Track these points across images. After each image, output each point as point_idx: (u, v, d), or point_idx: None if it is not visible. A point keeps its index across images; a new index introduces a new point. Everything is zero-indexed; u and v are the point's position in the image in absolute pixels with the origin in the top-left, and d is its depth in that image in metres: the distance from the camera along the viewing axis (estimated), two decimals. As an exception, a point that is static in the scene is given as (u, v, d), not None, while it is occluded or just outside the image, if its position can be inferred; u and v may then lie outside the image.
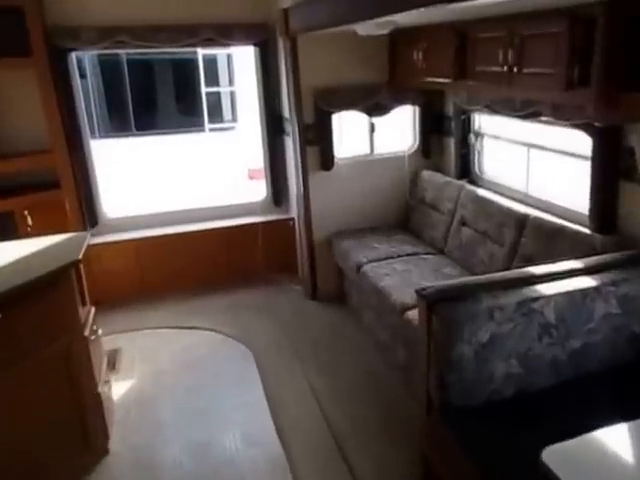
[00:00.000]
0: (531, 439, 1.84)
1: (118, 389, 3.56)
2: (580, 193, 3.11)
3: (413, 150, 4.64)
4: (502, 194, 3.81)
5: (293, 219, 5.11)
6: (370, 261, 3.98)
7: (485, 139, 4.13)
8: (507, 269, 3.32)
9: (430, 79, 3.67)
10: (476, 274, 3.56)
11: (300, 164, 4.38)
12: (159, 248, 4.86)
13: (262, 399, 3.42)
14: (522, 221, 3.33)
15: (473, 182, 4.20)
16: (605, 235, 2.85)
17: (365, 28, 3.23)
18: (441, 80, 3.53)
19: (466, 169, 4.27)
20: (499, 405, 2.22)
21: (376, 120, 4.48)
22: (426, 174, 4.52)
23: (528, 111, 3.18)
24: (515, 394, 2.27)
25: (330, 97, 4.22)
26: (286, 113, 4.75)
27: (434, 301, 2.20)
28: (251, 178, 6.75)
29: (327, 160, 4.40)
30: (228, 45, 4.83)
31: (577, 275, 2.34)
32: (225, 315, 4.53)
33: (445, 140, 4.49)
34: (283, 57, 4.39)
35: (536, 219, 3.24)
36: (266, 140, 5.11)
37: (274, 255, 5.17)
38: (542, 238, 3.13)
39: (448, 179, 4.26)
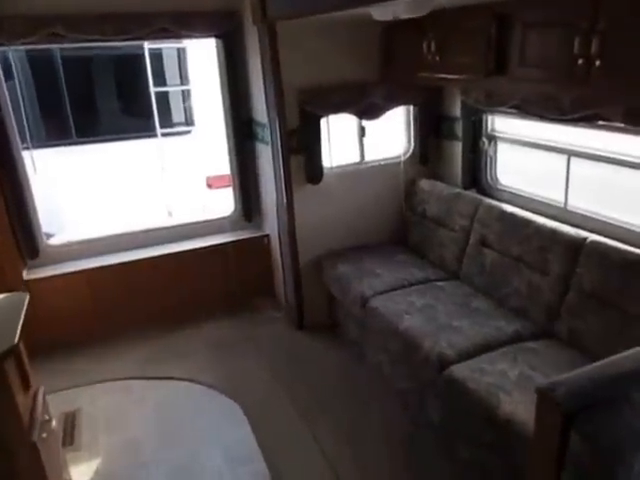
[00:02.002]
0: None
1: (79, 475, 2.57)
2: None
3: (408, 156, 3.80)
4: (524, 207, 3.05)
5: (268, 236, 4.18)
6: (377, 293, 3.13)
7: (500, 144, 3.34)
8: (560, 304, 2.59)
9: (446, 75, 2.83)
10: (516, 310, 2.80)
11: (283, 176, 3.45)
12: (115, 279, 3.81)
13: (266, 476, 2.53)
14: (576, 246, 2.57)
15: (483, 192, 3.42)
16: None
17: (386, 10, 2.31)
18: (463, 77, 2.70)
19: (474, 178, 3.47)
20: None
21: (367, 123, 3.60)
22: (425, 183, 3.70)
23: (583, 114, 2.41)
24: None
25: (318, 98, 3.31)
26: (258, 116, 3.80)
27: (575, 411, 1.37)
28: (209, 187, 5.72)
29: (314, 171, 3.50)
30: (187, 37, 3.78)
31: None
32: (202, 358, 3.57)
33: (446, 144, 3.67)
34: (254, 51, 3.43)
35: (598, 244, 2.49)
36: (233, 147, 4.12)
37: (248, 277, 4.23)
38: (610, 270, 2.39)
39: (457, 190, 3.45)
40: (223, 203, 4.69)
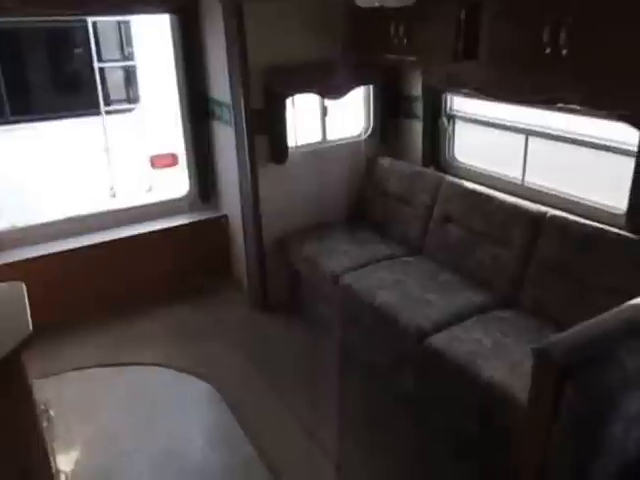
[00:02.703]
0: None
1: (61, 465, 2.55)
2: (601, 187, 2.67)
3: (368, 135, 3.93)
4: (482, 184, 3.28)
5: (226, 216, 4.20)
6: (347, 270, 3.27)
7: (459, 123, 3.54)
8: (523, 275, 2.85)
9: (413, 58, 2.97)
10: (482, 282, 3.03)
11: (248, 156, 3.48)
12: (66, 267, 3.70)
13: (253, 457, 2.61)
14: (537, 221, 2.82)
15: (443, 170, 3.62)
16: (645, 237, 2.43)
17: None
18: (431, 60, 2.85)
19: (434, 156, 3.67)
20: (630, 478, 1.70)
21: (329, 103, 3.68)
22: (386, 162, 3.85)
23: (543, 97, 2.62)
24: (636, 460, 1.75)
25: (283, 78, 3.34)
26: (217, 95, 3.78)
27: (569, 367, 1.57)
28: (154, 166, 5.60)
29: (279, 151, 3.55)
30: (141, 12, 3.68)
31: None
32: (168, 342, 3.57)
33: (406, 123, 3.84)
34: (214, 28, 3.41)
35: (557, 219, 2.75)
36: (189, 126, 4.09)
37: (206, 259, 4.24)
38: (569, 242, 2.65)
39: (418, 168, 3.63)
40: (171, 183, 4.64)
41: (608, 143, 2.68)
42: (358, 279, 3.15)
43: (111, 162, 4.58)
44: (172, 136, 4.77)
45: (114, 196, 5.13)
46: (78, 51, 9.21)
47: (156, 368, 3.31)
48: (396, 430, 2.76)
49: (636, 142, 2.44)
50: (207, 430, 2.81)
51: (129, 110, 5.85)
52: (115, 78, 8.02)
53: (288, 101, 3.46)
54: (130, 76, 7.61)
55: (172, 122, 4.40)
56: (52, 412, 2.13)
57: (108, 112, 4.87)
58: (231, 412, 2.92)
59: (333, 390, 3.05)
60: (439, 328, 2.66)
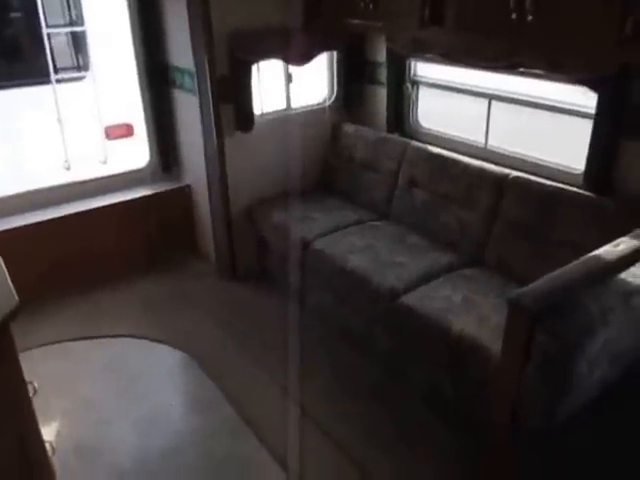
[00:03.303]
0: None
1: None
2: (561, 148, 2.84)
3: (332, 102, 3.98)
4: (446, 148, 3.40)
5: (189, 186, 4.20)
6: (317, 236, 3.36)
7: (423, 88, 3.64)
8: (488, 235, 3.01)
9: (379, 24, 3.02)
10: (448, 243, 3.18)
11: (214, 125, 3.48)
12: (26, 242, 3.61)
13: (236, 421, 2.70)
14: (501, 182, 2.97)
15: (407, 135, 3.72)
16: (603, 197, 2.62)
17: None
18: (398, 26, 2.91)
19: (398, 121, 3.76)
20: (590, 415, 1.88)
21: (293, 69, 3.71)
22: (350, 128, 3.93)
23: (508, 62, 2.74)
24: (598, 396, 1.95)
25: (248, 44, 3.33)
26: (177, 62, 3.74)
27: (540, 313, 1.72)
28: (109, 137, 5.47)
29: (245, 119, 3.55)
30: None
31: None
32: (139, 314, 3.59)
33: (370, 89, 3.90)
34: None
35: (520, 179, 2.90)
36: (147, 94, 4.02)
37: (170, 231, 4.23)
38: (531, 202, 2.81)
39: (383, 134, 3.72)
40: (127, 154, 4.58)
41: (568, 106, 2.84)
42: (329, 244, 3.25)
43: (64, 134, 4.45)
44: (127, 106, 4.67)
45: (68, 169, 5.01)
46: (16, 15, 8.73)
47: (130, 340, 3.33)
48: (371, 386, 2.90)
49: (594, 105, 2.60)
50: (187, 396, 2.88)
51: (79, 79, 5.65)
52: (60, 44, 7.66)
53: (254, 68, 3.45)
54: (78, 42, 7.30)
55: (127, 91, 4.31)
56: (36, 384, 2.14)
57: (57, 81, 4.70)
58: (209, 378, 2.98)
59: (308, 352, 3.16)
60: (410, 288, 2.79)
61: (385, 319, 2.84)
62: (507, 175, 2.96)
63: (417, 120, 3.71)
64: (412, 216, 3.42)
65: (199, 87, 3.46)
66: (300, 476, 2.37)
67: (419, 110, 3.70)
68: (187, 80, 3.65)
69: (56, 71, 5.12)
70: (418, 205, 3.38)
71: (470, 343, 2.37)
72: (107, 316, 3.55)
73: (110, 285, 3.85)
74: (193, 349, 3.21)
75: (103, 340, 3.32)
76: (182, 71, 3.68)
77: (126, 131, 5.59)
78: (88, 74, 5.26)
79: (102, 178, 4.15)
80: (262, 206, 3.77)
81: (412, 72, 3.63)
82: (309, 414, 2.72)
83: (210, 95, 3.37)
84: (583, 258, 2.00)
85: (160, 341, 3.29)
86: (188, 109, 3.76)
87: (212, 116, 3.44)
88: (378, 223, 3.51)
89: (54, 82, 4.22)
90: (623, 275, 1.91)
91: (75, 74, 5.99)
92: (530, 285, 1.81)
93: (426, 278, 2.88)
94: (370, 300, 2.90)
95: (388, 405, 2.78)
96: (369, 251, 3.13)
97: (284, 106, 3.87)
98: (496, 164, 3.12)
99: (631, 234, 2.15)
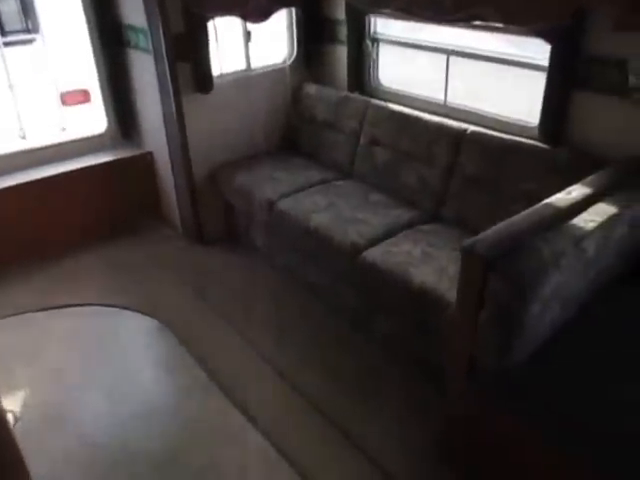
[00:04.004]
0: (598, 378, 1.76)
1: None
2: (517, 103, 2.83)
3: (292, 61, 3.88)
4: (407, 106, 3.36)
5: (150, 153, 4.07)
6: (282, 196, 3.31)
7: (383, 46, 3.57)
8: (446, 191, 3.02)
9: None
10: (409, 200, 3.18)
11: (171, 86, 3.35)
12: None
13: (207, 383, 2.67)
14: (459, 137, 2.96)
15: (368, 94, 3.65)
16: (557, 147, 2.64)
17: None
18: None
19: (359, 80, 3.69)
20: (544, 355, 1.93)
21: (252, 28, 3.59)
22: (311, 88, 3.84)
23: (465, 14, 2.70)
24: (550, 337, 1.99)
25: (203, -1, 3.20)
26: (130, 20, 3.57)
27: (493, 259, 1.74)
28: (65, 104, 5.23)
29: (204, 79, 3.43)
30: None
31: (594, 201, 2.07)
32: (105, 282, 3.50)
33: (330, 48, 3.80)
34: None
35: (477, 134, 2.90)
36: (101, 56, 3.85)
37: (133, 197, 4.13)
38: (488, 155, 2.82)
39: (344, 94, 3.65)
40: (86, 120, 4.40)
41: (523, 59, 2.82)
42: (292, 204, 3.20)
43: (17, 100, 4.23)
44: (83, 69, 4.46)
45: (24, 137, 4.78)
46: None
47: (97, 307, 3.25)
48: (340, 341, 2.92)
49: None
50: (158, 361, 2.84)
51: (29, 41, 5.34)
52: (7, 6, 7.17)
53: (210, 25, 3.32)
54: (27, 3, 6.87)
55: (81, 53, 4.10)
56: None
57: (4, 44, 4.44)
58: (179, 342, 2.94)
59: (277, 311, 3.16)
60: (371, 244, 2.78)
61: (348, 275, 2.84)
62: (465, 130, 2.95)
63: (378, 79, 3.65)
64: (374, 174, 3.40)
65: (154, 46, 3.32)
66: (270, 431, 2.38)
67: (380, 68, 3.63)
68: (142, 39, 3.49)
69: (3, 34, 4.83)
70: (380, 163, 3.36)
71: (430, 294, 2.39)
72: (72, 284, 3.46)
73: (74, 253, 3.75)
74: (161, 314, 3.15)
75: (68, 309, 3.23)
76: (136, 30, 3.52)
77: (83, 97, 5.35)
78: (38, 36, 4.98)
79: (58, 145, 3.99)
80: (226, 169, 3.69)
81: (372, 29, 3.54)
82: (280, 371, 2.71)
83: (165, 54, 3.24)
84: (536, 206, 2.02)
85: (127, 307, 3.22)
86: (144, 70, 3.61)
87: (168, 76, 3.31)
88: (341, 182, 3.47)
89: (2, 45, 3.97)
90: (575, 221, 1.94)
91: (24, 36, 5.64)
92: (483, 233, 1.82)
93: (387, 234, 2.87)
94: (333, 257, 2.89)
95: (355, 356, 2.80)
96: (332, 210, 3.10)
97: (244, 66, 3.75)
98: (455, 120, 3.11)
99: (583, 181, 2.17)
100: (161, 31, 3.17)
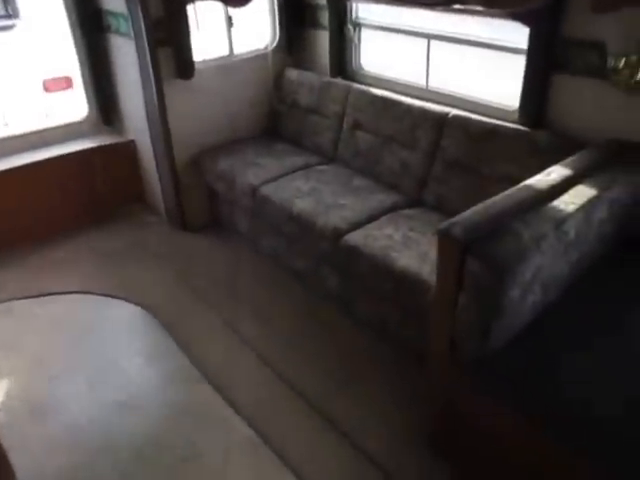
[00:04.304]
0: (580, 360, 1.76)
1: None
2: (498, 87, 2.79)
3: (275, 47, 3.80)
4: (391, 90, 3.30)
5: (133, 141, 3.98)
6: (264, 182, 3.26)
7: (365, 31, 3.50)
8: (427, 175, 2.98)
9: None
10: (391, 185, 3.14)
11: (152, 72, 3.27)
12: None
13: (191, 369, 2.63)
14: (441, 121, 2.92)
15: (351, 79, 3.59)
16: (537, 130, 2.61)
17: None
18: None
19: (341, 65, 3.62)
20: (526, 338, 1.91)
21: (234, 13, 3.50)
22: (293, 73, 3.77)
23: (445, -3, 2.65)
24: (532, 321, 1.97)
25: (182, -18, 3.11)
26: (110, 5, 3.46)
27: (470, 241, 1.71)
28: (47, 90, 5.12)
29: (185, 65, 3.35)
30: None
31: (574, 183, 2.04)
32: (89, 269, 3.44)
33: (312, 33, 3.73)
34: None
35: (459, 118, 2.86)
36: (81, 42, 3.74)
37: (116, 184, 4.05)
38: (470, 139, 2.78)
39: (326, 79, 3.58)
40: (70, 107, 4.30)
41: (504, 43, 2.77)
42: (275, 190, 3.15)
43: (-1, 88, 4.14)
44: (65, 56, 4.34)
45: (6, 124, 4.68)
46: None
47: (81, 295, 3.19)
48: (324, 326, 2.89)
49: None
50: (141, 347, 2.79)
51: (9, 27, 5.19)
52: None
53: (191, 10, 3.23)
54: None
55: (62, 40, 3.99)
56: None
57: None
58: (163, 328, 2.89)
59: (263, 299, 3.11)
60: (353, 228, 2.75)
61: (331, 259, 2.81)
62: (447, 114, 2.91)
63: (360, 63, 3.59)
64: (357, 159, 3.35)
65: (134, 31, 3.22)
66: (254, 417, 2.35)
67: (362, 53, 3.56)
68: (122, 24, 3.39)
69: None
70: (362, 148, 3.31)
71: (411, 277, 2.37)
72: (55, 272, 3.39)
73: (57, 241, 3.68)
74: (145, 300, 3.10)
75: (51, 297, 3.16)
76: (116, 15, 3.42)
77: (65, 84, 5.23)
78: (18, 22, 4.85)
79: (40, 132, 3.88)
80: (208, 155, 3.62)
81: (353, 14, 3.47)
82: (264, 357, 2.68)
83: (146, 39, 3.15)
84: (515, 187, 1.99)
85: (111, 295, 3.17)
86: (125, 56, 3.51)
87: (149, 61, 3.22)
88: (324, 167, 3.42)
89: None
90: (555, 203, 1.91)
91: (4, 22, 5.48)
92: (459, 215, 1.79)
93: (369, 218, 2.84)
94: (316, 241, 2.85)
95: (340, 341, 2.78)
96: (314, 195, 3.06)
97: (226, 52, 3.67)
98: (437, 104, 3.06)
99: (562, 163, 2.14)
100: (141, 15, 3.08)
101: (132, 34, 3.27)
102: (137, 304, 3.08)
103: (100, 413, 2.41)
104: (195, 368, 2.60)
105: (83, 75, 3.88)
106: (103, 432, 2.32)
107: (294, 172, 3.35)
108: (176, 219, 3.83)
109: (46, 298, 3.15)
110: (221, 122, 3.72)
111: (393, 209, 2.95)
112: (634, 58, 2.16)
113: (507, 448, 1.86)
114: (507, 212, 1.82)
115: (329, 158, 3.52)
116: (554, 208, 1.88)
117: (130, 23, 3.24)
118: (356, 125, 3.34)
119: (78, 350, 2.79)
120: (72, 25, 3.68)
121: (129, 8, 3.16)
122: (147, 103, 3.48)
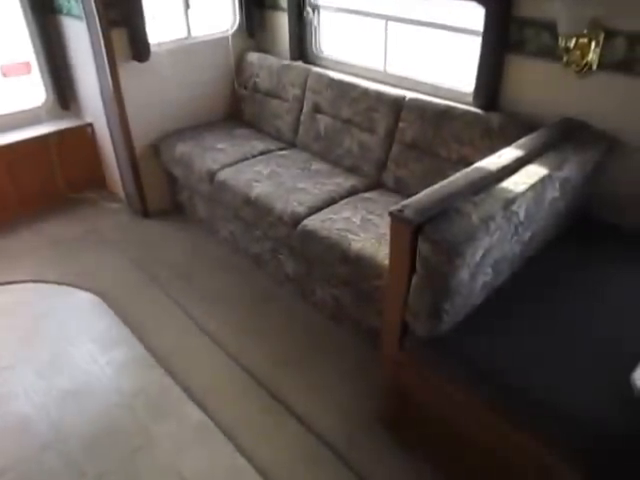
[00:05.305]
0: (533, 342, 1.72)
1: None
2: (452, 70, 2.70)
3: (235, 30, 3.62)
4: (350, 73, 3.19)
5: (91, 125, 3.79)
6: (223, 166, 3.12)
7: (323, 13, 3.35)
8: (386, 158, 2.88)
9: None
10: (350, 168, 3.04)
11: (105, 54, 3.07)
12: None
13: (145, 356, 2.51)
14: (398, 104, 2.81)
15: (311, 63, 3.45)
16: (491, 112, 2.52)
17: None
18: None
19: (301, 48, 3.48)
20: (477, 319, 1.84)
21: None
22: (254, 57, 3.61)
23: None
24: (484, 301, 1.90)
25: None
26: (59, -17, 3.25)
27: (421, 224, 1.61)
28: (5, 75, 4.83)
29: (140, 47, 3.16)
30: None
31: (525, 164, 1.97)
32: (43, 257, 3.25)
33: (272, 15, 3.57)
34: None
35: (415, 101, 2.75)
36: (33, 24, 3.52)
37: (75, 170, 3.86)
38: (426, 121, 2.68)
39: (286, 62, 3.43)
40: (27, 92, 4.05)
41: (460, 25, 2.66)
42: (234, 174, 3.01)
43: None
44: (23, 40, 4.08)
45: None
46: None
47: (33, 284, 3.01)
48: (282, 311, 2.79)
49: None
50: (94, 336, 2.63)
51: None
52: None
53: (143, -11, 3.04)
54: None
55: (18, 23, 3.74)
56: None
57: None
58: (117, 317, 2.76)
59: (220, 284, 2.99)
60: (311, 212, 2.64)
61: (289, 243, 2.69)
62: (403, 97, 2.80)
63: (319, 46, 3.45)
64: (317, 143, 3.23)
65: (85, 11, 3.02)
66: (208, 404, 2.24)
67: (321, 36, 3.42)
68: (73, 5, 3.18)
69: None
70: (322, 131, 3.19)
71: (367, 260, 2.28)
72: (8, 261, 3.20)
73: (12, 229, 3.50)
74: (99, 288, 2.95)
75: (3, 287, 2.98)
76: (69, -6, 3.20)
77: (24, 69, 4.94)
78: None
79: (-3, 117, 3.66)
80: (167, 140, 3.45)
81: (311, -5, 3.32)
82: (219, 342, 2.57)
83: (97, 19, 2.95)
84: (466, 169, 1.90)
85: (65, 283, 3.00)
86: (79, 38, 3.30)
87: (102, 43, 3.02)
88: (285, 152, 3.29)
89: None
90: (504, 184, 1.83)
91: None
92: (412, 197, 1.69)
93: (328, 202, 2.74)
94: (274, 226, 2.73)
95: (298, 325, 2.69)
96: (273, 179, 2.93)
97: (184, 35, 3.48)
98: (395, 87, 2.96)
99: (514, 144, 2.06)
100: (90, -6, 2.88)
101: (83, 15, 3.06)
102: (91, 291, 2.93)
103: (50, 403, 2.27)
104: (149, 354, 2.48)
105: (38, 59, 3.68)
106: (51, 424, 2.18)
107: (254, 157, 3.22)
108: (136, 205, 3.66)
109: (-1, 287, 2.97)
110: (181, 106, 3.55)
111: (353, 192, 2.85)
112: (585, 39, 2.08)
113: (461, 428, 1.80)
114: (457, 194, 1.73)
115: (289, 143, 3.39)
116: (503, 189, 1.79)
117: (81, 3, 3.02)
118: (316, 109, 3.22)
119: (30, 340, 2.63)
120: (23, 7, 3.46)
121: (79, -14, 2.95)
122: (102, 87, 3.29)
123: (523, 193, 1.79)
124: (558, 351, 1.69)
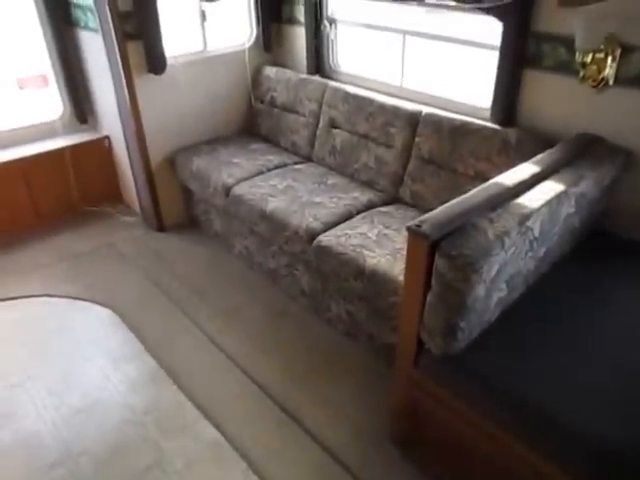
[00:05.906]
0: (548, 360, 1.76)
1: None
2: (469, 85, 2.78)
3: (252, 43, 3.76)
4: (368, 88, 3.29)
5: (108, 137, 3.94)
6: (239, 180, 3.23)
7: (341, 27, 3.47)
8: (403, 172, 2.97)
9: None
10: (367, 182, 3.13)
11: (121, 66, 3.21)
12: None
13: (159, 372, 2.59)
14: (414, 119, 2.91)
15: (327, 77, 3.57)
16: (508, 128, 2.60)
17: None
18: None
19: (318, 63, 3.60)
20: (491, 336, 1.90)
21: (208, 8, 3.46)
22: (271, 71, 3.74)
23: (417, -7, 2.64)
24: (498, 318, 1.96)
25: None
26: (77, -3, 3.41)
27: (438, 239, 1.69)
28: (22, 88, 5.05)
29: (156, 60, 3.30)
30: None
31: (541, 179, 2.03)
32: (59, 272, 3.37)
33: (289, 30, 3.70)
34: None
35: (432, 116, 2.84)
36: (51, 38, 3.70)
37: (91, 184, 4.01)
38: (443, 136, 2.77)
39: (303, 76, 3.56)
40: (45, 105, 4.23)
41: (478, 40, 2.76)
42: (249, 189, 3.12)
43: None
44: (40, 53, 4.27)
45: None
46: None
47: (46, 298, 3.12)
48: (298, 327, 2.86)
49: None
50: (108, 352, 2.72)
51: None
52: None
53: (161, 2, 3.18)
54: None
55: (36, 36, 3.93)
56: None
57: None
58: (131, 332, 2.84)
59: (235, 300, 3.07)
60: (327, 227, 2.72)
61: (305, 259, 2.78)
62: (420, 112, 2.90)
63: (336, 61, 3.57)
64: (333, 157, 3.33)
65: (101, 25, 3.17)
66: (223, 422, 2.31)
67: (338, 50, 3.54)
68: (90, 18, 3.34)
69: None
70: (338, 146, 3.29)
71: (382, 276, 2.35)
72: (23, 275, 3.32)
73: (28, 242, 3.64)
74: (114, 303, 3.05)
75: (17, 301, 3.10)
76: (83, 8, 3.37)
77: (41, 82, 5.15)
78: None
79: (14, 130, 3.83)
80: (183, 154, 3.58)
81: (329, 10, 3.45)
82: (235, 360, 2.65)
83: (113, 32, 3.09)
84: (483, 185, 1.98)
85: (80, 297, 3.11)
86: (96, 51, 3.46)
87: (118, 56, 3.16)
88: (301, 166, 3.40)
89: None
90: (520, 200, 1.90)
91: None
92: (429, 213, 1.77)
93: (344, 217, 2.82)
94: (290, 241, 2.82)
95: (313, 341, 2.76)
96: (289, 194, 3.03)
97: (200, 48, 3.63)
98: (411, 102, 3.05)
99: (531, 160, 2.13)
100: (107, 8, 3.02)
101: (99, 28, 3.22)
102: (105, 306, 3.03)
103: (61, 419, 2.35)
104: (162, 370, 2.56)
105: (55, 72, 3.85)
106: (63, 439, 2.25)
107: (269, 171, 3.33)
108: (152, 219, 3.78)
109: (13, 302, 3.09)
110: (197, 120, 3.69)
111: (369, 207, 2.93)
112: (601, 54, 2.15)
113: (474, 447, 1.85)
114: (473, 210, 1.80)
115: (305, 157, 3.50)
116: (519, 205, 1.86)
117: (97, 16, 3.18)
118: (332, 123, 3.32)
119: (43, 355, 2.72)
120: (41, 20, 3.64)
121: (95, 1, 3.10)
122: (118, 99, 3.43)
123: (538, 209, 1.85)
124: (574, 369, 1.74)
